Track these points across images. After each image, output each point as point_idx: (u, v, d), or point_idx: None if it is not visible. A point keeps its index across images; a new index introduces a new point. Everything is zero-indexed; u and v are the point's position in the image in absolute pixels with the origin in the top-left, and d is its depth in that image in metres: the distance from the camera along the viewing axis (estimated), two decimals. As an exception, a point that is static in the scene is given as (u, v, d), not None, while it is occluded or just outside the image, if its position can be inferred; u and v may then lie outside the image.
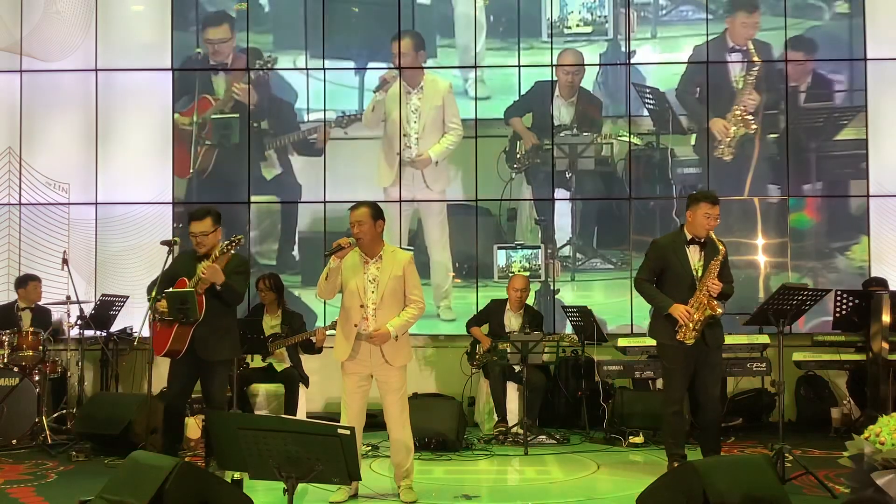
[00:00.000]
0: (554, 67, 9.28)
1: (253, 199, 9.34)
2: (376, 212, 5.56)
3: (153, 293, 5.88)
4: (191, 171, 9.36)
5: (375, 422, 6.17)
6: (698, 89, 9.21)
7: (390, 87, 9.34)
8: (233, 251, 5.89)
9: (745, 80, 9.14)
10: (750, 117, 9.14)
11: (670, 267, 6.00)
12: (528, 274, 8.88)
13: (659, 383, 7.86)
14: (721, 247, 5.88)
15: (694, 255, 5.97)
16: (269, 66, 9.37)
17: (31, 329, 7.74)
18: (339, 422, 5.35)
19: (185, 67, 9.42)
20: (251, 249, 9.25)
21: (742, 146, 9.15)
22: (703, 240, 5.95)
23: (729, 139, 9.13)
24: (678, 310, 5.83)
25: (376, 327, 5.49)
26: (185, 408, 6.28)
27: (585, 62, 9.34)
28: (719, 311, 5.83)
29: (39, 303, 8.35)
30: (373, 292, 5.51)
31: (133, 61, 9.42)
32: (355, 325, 5.52)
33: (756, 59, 9.15)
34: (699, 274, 5.91)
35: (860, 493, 4.59)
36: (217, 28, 9.46)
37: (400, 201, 9.20)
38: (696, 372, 6.00)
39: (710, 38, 9.21)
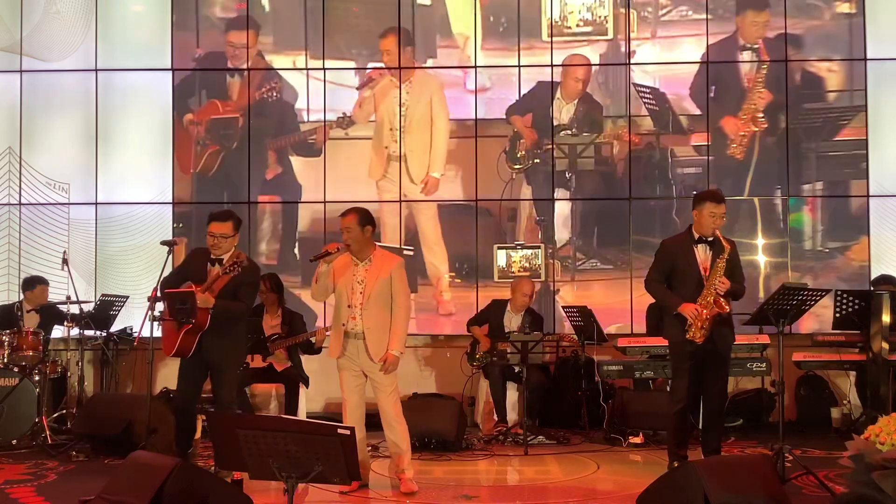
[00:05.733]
0: (560, 69, 9.27)
1: (253, 199, 9.33)
2: (363, 218, 5.74)
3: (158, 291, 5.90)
4: (192, 170, 9.36)
5: (375, 422, 6.17)
6: (713, 87, 9.21)
7: (377, 83, 9.35)
8: (236, 272, 5.91)
9: (756, 78, 9.15)
10: (760, 115, 9.14)
11: (678, 267, 6.01)
12: (528, 275, 8.89)
13: (659, 384, 7.87)
14: (726, 245, 5.88)
15: (701, 255, 5.98)
16: (275, 92, 9.39)
17: (32, 329, 7.75)
18: (339, 421, 5.36)
19: (186, 68, 9.43)
20: (250, 250, 9.25)
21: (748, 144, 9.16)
22: (710, 239, 5.96)
23: (741, 137, 9.13)
24: (687, 308, 5.83)
25: (376, 349, 5.67)
26: (195, 407, 6.29)
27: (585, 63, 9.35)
28: (727, 308, 5.84)
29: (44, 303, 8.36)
30: (360, 293, 5.69)
31: (133, 61, 9.42)
32: (343, 325, 5.72)
33: (765, 57, 9.15)
34: (707, 273, 5.92)
35: (853, 490, 4.59)
36: (240, 32, 9.44)
37: (400, 201, 9.21)
38: (704, 372, 6.01)
39: (720, 37, 9.21)
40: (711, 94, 9.18)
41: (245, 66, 9.41)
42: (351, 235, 5.69)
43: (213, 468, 5.34)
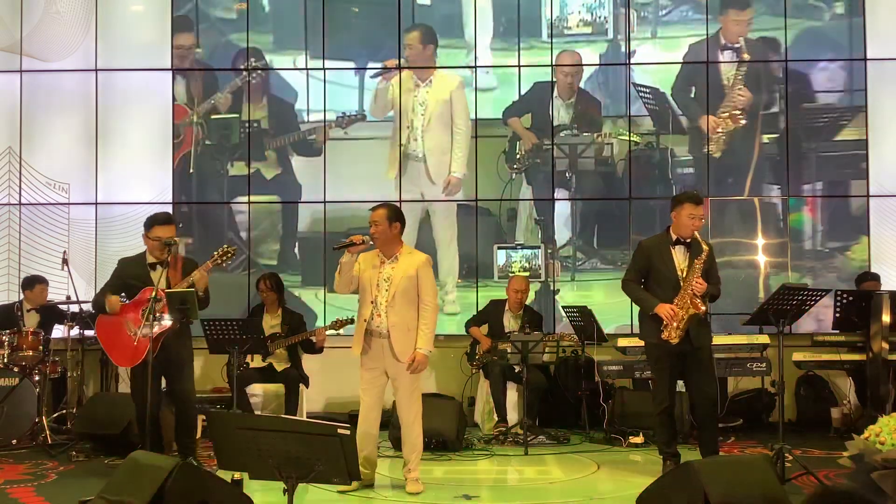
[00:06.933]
0: (553, 68, 9.29)
1: (252, 199, 9.33)
2: (393, 214, 5.74)
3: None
4: (191, 170, 9.38)
5: (381, 421, 6.17)
6: (693, 88, 9.21)
7: (392, 76, 9.34)
8: (226, 262, 5.96)
9: (735, 76, 9.15)
10: (738, 112, 9.14)
11: (655, 268, 6.02)
12: (527, 274, 8.89)
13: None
14: (705, 246, 5.88)
15: (679, 256, 5.97)
16: (256, 73, 9.36)
17: (32, 329, 7.75)
18: (339, 421, 5.37)
19: (186, 68, 9.42)
20: (251, 249, 9.25)
21: (740, 145, 9.14)
22: (688, 240, 5.95)
23: (717, 135, 9.12)
24: (663, 309, 5.84)
25: (399, 345, 5.67)
26: (159, 408, 6.30)
27: (586, 62, 9.34)
28: (703, 308, 5.83)
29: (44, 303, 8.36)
30: (386, 290, 5.68)
31: (133, 61, 9.41)
32: (364, 321, 5.71)
33: (745, 56, 9.15)
34: (684, 274, 5.91)
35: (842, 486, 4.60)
36: (187, 34, 9.42)
37: (400, 201, 9.19)
38: (689, 373, 6.01)
39: (705, 37, 9.21)
40: (691, 94, 9.18)
41: (242, 67, 9.41)
42: (378, 230, 5.69)
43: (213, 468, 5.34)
